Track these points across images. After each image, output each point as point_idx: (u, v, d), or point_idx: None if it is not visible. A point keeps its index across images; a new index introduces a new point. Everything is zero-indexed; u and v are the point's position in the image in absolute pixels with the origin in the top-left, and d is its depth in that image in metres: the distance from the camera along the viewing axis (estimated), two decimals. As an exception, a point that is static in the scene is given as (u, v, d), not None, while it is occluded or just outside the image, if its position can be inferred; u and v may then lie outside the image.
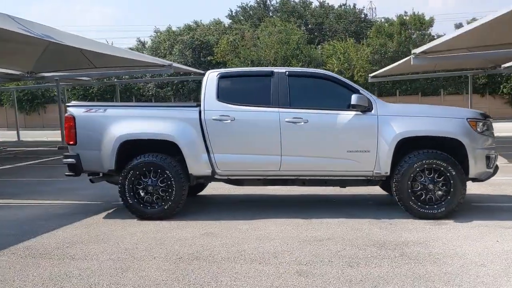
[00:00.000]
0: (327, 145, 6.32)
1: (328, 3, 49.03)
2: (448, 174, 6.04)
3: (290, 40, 36.90)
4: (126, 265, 4.62)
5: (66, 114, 6.74)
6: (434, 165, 6.07)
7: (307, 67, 36.17)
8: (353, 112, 6.27)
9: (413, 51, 12.34)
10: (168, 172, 6.39)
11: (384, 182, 6.62)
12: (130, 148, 6.60)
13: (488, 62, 20.03)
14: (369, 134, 6.23)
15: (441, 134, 6.17)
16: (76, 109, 6.73)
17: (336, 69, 35.15)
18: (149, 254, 4.93)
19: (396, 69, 21.65)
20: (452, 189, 6.06)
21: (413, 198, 6.12)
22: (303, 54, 36.70)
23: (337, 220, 6.16)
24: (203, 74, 6.91)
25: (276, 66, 36.71)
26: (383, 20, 42.71)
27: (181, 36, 42.23)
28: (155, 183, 6.45)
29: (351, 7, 47.77)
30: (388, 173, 6.21)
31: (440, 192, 6.10)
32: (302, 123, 6.30)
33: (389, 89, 36.79)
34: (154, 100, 42.38)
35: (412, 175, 6.11)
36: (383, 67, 35.48)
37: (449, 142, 6.18)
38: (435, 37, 37.54)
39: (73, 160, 6.67)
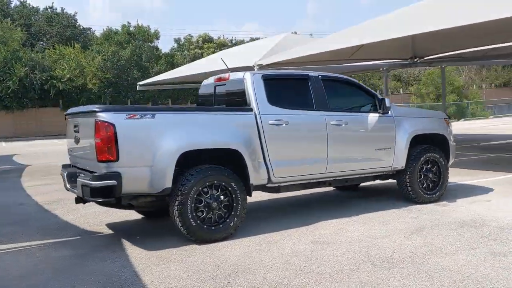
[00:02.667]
0: (362, 145, 6.78)
1: (30, 4, 45.03)
2: (439, 164, 7.37)
3: (9, 41, 32.47)
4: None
5: (100, 121, 5.14)
6: (431, 158, 7.30)
7: (32, 72, 32.61)
8: (377, 114, 6.92)
9: (257, 62, 13.33)
10: (233, 185, 5.68)
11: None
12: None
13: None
14: (390, 133, 7.00)
15: (436, 132, 7.47)
16: (113, 115, 5.20)
17: (67, 76, 32.93)
18: (333, 270, 4.53)
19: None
20: (442, 176, 7.41)
21: (420, 186, 7.20)
22: (25, 57, 32.82)
23: (380, 213, 6.67)
24: None
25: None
26: (104, 29, 42.27)
27: None
28: (217, 198, 5.63)
29: (60, 11, 45.03)
30: (404, 167, 7.11)
31: (434, 180, 7.37)
32: (343, 125, 6.59)
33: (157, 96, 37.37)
34: None
35: (419, 167, 7.19)
36: (117, 75, 35.33)
37: (435, 137, 7.51)
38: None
39: (113, 181, 5.14)
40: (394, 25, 11.25)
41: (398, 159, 7.04)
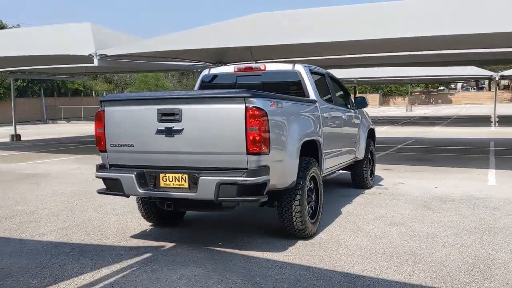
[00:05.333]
0: (350, 137, 7.50)
1: None
2: (373, 154, 8.77)
3: None
4: None
5: (254, 108, 4.42)
6: (372, 149, 8.62)
7: None
8: (352, 110, 7.78)
9: (99, 52, 12.00)
10: (320, 176, 5.69)
11: None
12: None
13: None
14: (358, 127, 7.96)
15: (373, 126, 8.76)
16: (264, 102, 4.56)
17: None
18: (471, 239, 5.30)
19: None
20: (374, 164, 8.82)
21: (369, 174, 8.41)
22: None
23: (362, 197, 7.57)
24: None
25: None
26: None
27: None
28: (313, 190, 5.56)
29: None
30: (363, 157, 8.16)
31: (371, 168, 8.70)
32: (347, 119, 7.23)
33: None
34: None
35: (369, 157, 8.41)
36: None
37: (372, 131, 8.80)
38: None
39: (267, 177, 4.54)
40: (214, 36, 12.43)
41: (361, 150, 8.06)
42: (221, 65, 6.16)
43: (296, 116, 5.24)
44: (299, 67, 6.20)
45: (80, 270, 4.43)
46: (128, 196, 5.05)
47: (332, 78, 7.41)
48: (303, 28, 11.09)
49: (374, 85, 69.88)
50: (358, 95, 32.80)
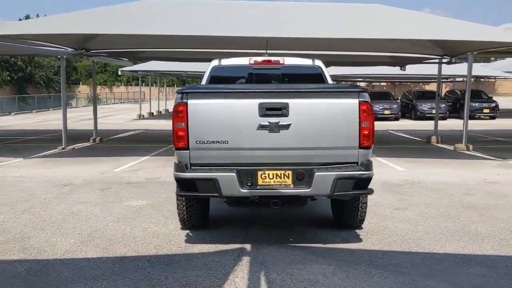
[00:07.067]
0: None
1: None
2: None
3: None
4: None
5: (366, 102, 4.49)
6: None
7: None
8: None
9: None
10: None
11: None
12: None
13: None
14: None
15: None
16: (368, 96, 4.63)
17: None
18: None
19: None
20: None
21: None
22: None
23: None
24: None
25: None
26: None
27: None
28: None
29: None
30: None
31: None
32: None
33: None
34: None
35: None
36: None
37: None
38: None
39: (373, 170, 4.67)
40: (76, 23, 11.82)
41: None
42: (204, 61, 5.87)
43: None
44: (319, 62, 6.30)
45: (210, 284, 3.92)
46: (223, 198, 4.57)
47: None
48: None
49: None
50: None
